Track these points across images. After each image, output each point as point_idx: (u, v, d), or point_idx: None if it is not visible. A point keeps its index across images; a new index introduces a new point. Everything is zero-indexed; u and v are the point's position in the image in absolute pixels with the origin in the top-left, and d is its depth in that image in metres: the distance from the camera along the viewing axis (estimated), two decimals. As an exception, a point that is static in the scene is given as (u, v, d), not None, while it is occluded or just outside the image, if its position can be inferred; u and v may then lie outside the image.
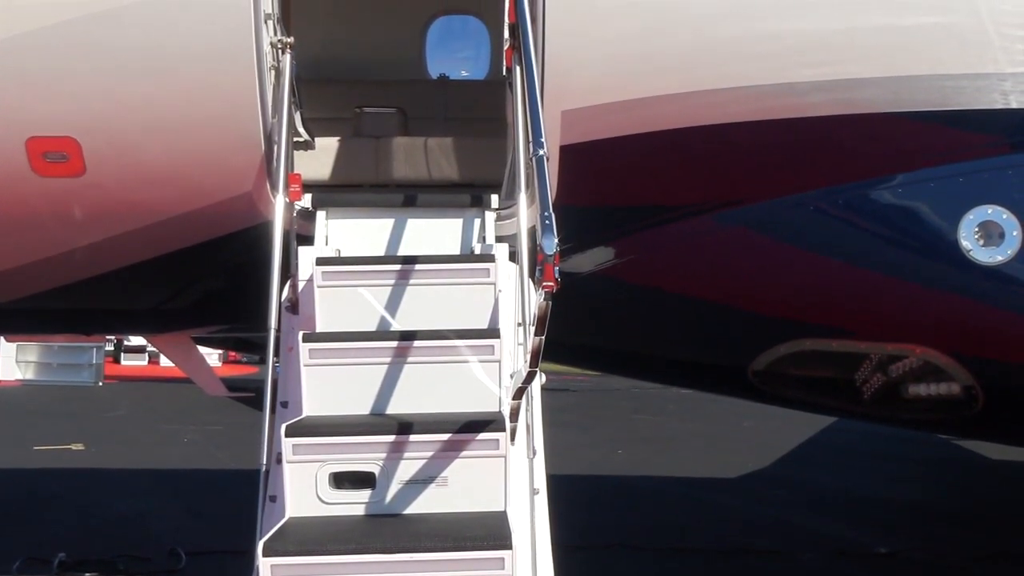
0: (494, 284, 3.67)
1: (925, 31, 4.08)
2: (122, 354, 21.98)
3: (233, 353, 18.77)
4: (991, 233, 4.21)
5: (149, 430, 12.89)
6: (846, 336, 4.56)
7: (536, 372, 3.03)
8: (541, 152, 3.09)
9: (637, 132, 4.05)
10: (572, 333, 4.34)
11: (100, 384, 18.55)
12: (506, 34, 4.10)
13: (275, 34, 4.02)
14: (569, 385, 16.89)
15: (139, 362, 21.82)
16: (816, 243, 4.43)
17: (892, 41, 4.07)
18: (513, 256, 3.80)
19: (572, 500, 5.72)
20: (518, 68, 3.74)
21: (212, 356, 16.50)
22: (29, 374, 19.06)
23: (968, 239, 4.22)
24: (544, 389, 3.54)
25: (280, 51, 4.05)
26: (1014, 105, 4.21)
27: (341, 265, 3.79)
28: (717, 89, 4.03)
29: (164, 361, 16.47)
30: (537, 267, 2.79)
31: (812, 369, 4.80)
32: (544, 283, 2.73)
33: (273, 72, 4.00)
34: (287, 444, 3.18)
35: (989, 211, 4.21)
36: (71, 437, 11.74)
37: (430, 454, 3.21)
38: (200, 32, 3.78)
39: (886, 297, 4.43)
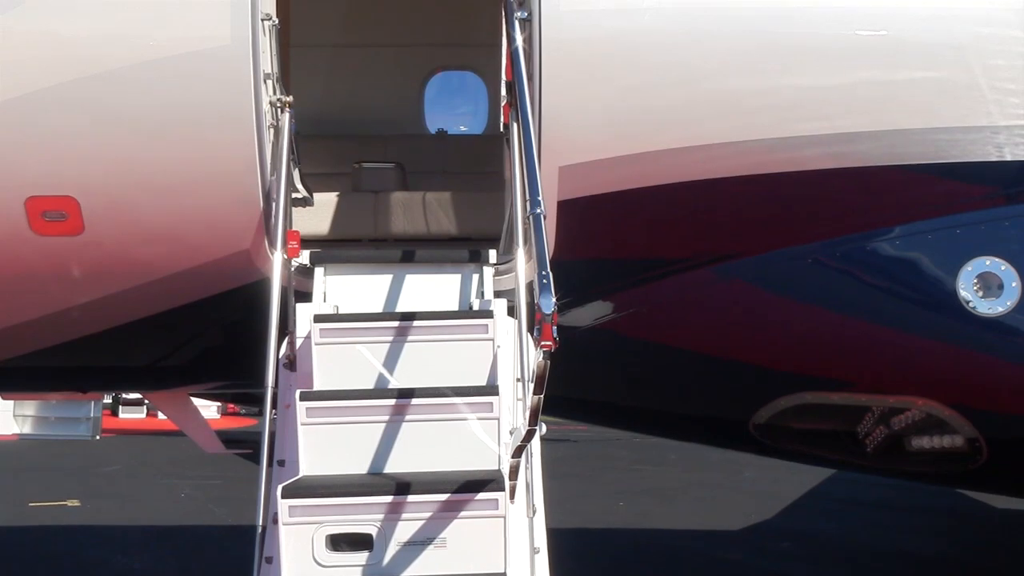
0: (492, 340, 3.66)
1: (918, 85, 4.12)
2: (120, 407, 21.84)
3: (232, 405, 18.67)
4: (990, 284, 4.21)
5: (146, 485, 12.77)
6: (847, 388, 4.53)
7: (536, 430, 3.01)
8: (538, 210, 3.10)
9: (635, 187, 4.07)
10: (572, 387, 4.32)
11: (97, 438, 18.38)
12: (503, 91, 4.13)
13: (274, 93, 4.06)
14: (569, 435, 16.77)
15: (137, 415, 21.65)
16: (815, 295, 4.42)
17: (886, 95, 4.11)
18: (512, 311, 3.79)
19: (573, 556, 5.63)
20: (515, 125, 3.77)
21: (211, 408, 16.41)
22: (26, 428, 18.88)
23: (967, 290, 4.22)
24: (544, 439, 3.51)
25: (279, 110, 4.09)
26: (1008, 157, 4.24)
27: (339, 322, 3.78)
28: (714, 144, 4.06)
29: (162, 414, 16.35)
30: (535, 326, 2.79)
31: (814, 422, 4.77)
32: (542, 342, 2.73)
33: (272, 131, 4.03)
34: (283, 506, 3.14)
35: (987, 262, 4.22)
36: (67, 493, 11.62)
37: (428, 515, 3.17)
38: (199, 92, 3.81)
39: (886, 349, 4.42)
